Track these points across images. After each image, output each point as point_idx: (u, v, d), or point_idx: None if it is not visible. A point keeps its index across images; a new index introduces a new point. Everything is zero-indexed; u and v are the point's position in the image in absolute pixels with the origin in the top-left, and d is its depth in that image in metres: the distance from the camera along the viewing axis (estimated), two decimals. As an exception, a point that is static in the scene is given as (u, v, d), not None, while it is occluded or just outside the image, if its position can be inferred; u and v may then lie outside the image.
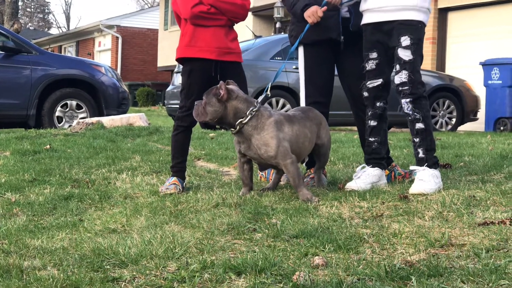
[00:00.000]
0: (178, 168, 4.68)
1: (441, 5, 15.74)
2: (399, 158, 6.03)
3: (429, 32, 15.78)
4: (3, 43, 9.70)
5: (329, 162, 5.86)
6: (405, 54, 4.23)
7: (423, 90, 4.27)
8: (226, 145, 7.24)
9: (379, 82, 4.41)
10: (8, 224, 3.67)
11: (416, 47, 4.25)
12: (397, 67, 4.25)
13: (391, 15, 4.29)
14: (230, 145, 7.19)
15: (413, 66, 4.24)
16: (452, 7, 15.74)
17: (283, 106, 10.65)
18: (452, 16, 15.84)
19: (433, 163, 4.23)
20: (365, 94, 4.46)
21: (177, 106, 4.91)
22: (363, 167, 4.52)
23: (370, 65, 4.42)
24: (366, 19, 4.42)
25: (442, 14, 15.85)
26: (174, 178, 4.61)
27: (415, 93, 4.22)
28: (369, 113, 4.50)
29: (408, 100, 4.23)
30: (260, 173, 4.93)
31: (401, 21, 4.28)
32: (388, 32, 4.31)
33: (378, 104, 4.46)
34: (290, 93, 10.68)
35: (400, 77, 4.23)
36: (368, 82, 4.44)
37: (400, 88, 4.25)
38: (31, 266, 2.81)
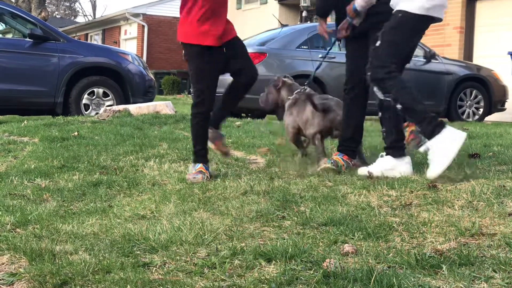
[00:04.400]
0: (201, 154, 4.69)
1: (469, -6, 15.61)
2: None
3: (457, 21, 15.64)
4: (31, 30, 9.75)
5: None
6: (377, 42, 4.31)
7: (383, 71, 4.21)
8: (252, 133, 7.25)
9: None
10: (39, 209, 3.72)
11: (386, 34, 4.28)
12: None
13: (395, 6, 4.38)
14: (256, 133, 7.20)
15: (376, 52, 4.27)
16: (480, -4, 15.60)
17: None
18: (480, 5, 15.67)
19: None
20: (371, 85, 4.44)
21: None
22: (382, 155, 4.54)
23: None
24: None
25: (470, 3, 15.69)
26: (200, 165, 4.61)
27: (375, 78, 4.23)
28: (377, 104, 4.51)
29: (375, 88, 4.26)
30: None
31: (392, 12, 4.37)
32: None
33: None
34: (317, 83, 10.63)
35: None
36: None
37: (367, 78, 4.34)
38: (63, 251, 2.84)
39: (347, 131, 4.87)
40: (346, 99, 4.87)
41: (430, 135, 4.08)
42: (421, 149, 4.28)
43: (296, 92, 5.15)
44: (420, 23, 4.32)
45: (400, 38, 4.30)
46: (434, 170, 4.05)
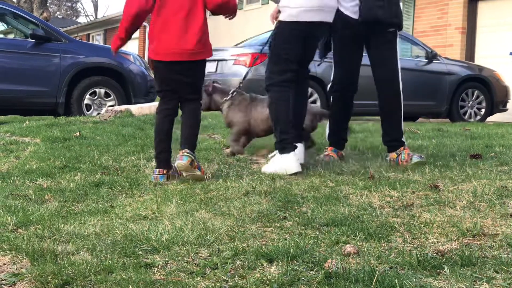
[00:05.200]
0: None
1: (471, -6, 15.60)
2: (428, 148, 6.00)
3: (459, 21, 15.64)
4: (33, 31, 9.75)
5: (357, 150, 5.86)
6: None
7: (266, 82, 4.86)
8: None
9: None
10: (41, 209, 3.72)
11: (272, 46, 4.88)
12: None
13: None
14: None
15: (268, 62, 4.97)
16: (482, -3, 15.60)
17: (311, 95, 10.60)
18: (482, 6, 15.66)
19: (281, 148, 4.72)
20: None
21: None
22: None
23: None
24: None
25: (472, 3, 15.69)
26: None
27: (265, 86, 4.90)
28: None
29: None
30: None
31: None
32: None
33: None
34: (318, 83, 10.62)
35: None
36: None
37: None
38: (65, 251, 2.84)
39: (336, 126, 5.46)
40: (335, 97, 5.40)
41: (277, 149, 4.75)
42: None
43: (233, 92, 5.59)
44: (293, 29, 4.75)
45: (279, 46, 4.81)
46: (265, 168, 4.76)
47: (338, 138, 5.48)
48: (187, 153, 4.51)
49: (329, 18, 4.83)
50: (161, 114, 4.76)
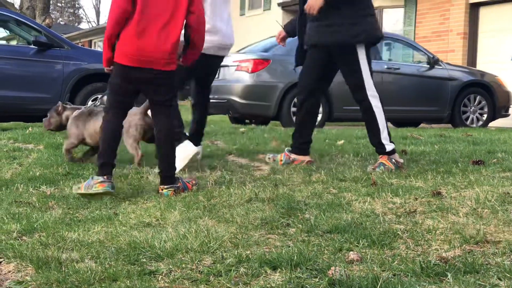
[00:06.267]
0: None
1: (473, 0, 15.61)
2: (430, 154, 6.00)
3: (460, 27, 15.66)
4: (35, 37, 9.78)
5: (360, 157, 5.87)
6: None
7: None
8: (257, 140, 7.26)
9: None
10: (44, 217, 3.72)
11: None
12: None
13: None
14: (261, 140, 7.20)
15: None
16: (483, 2, 15.60)
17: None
18: (483, 11, 15.69)
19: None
20: None
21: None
22: None
23: None
24: None
25: (474, 9, 15.71)
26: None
27: None
28: None
29: None
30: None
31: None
32: None
33: None
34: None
35: None
36: None
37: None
38: (69, 259, 2.85)
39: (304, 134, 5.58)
40: (304, 107, 5.55)
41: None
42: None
43: (84, 107, 5.85)
44: (202, 59, 5.03)
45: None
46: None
47: (299, 143, 5.57)
48: (165, 189, 4.40)
49: (227, 53, 5.64)
50: (109, 126, 4.60)
